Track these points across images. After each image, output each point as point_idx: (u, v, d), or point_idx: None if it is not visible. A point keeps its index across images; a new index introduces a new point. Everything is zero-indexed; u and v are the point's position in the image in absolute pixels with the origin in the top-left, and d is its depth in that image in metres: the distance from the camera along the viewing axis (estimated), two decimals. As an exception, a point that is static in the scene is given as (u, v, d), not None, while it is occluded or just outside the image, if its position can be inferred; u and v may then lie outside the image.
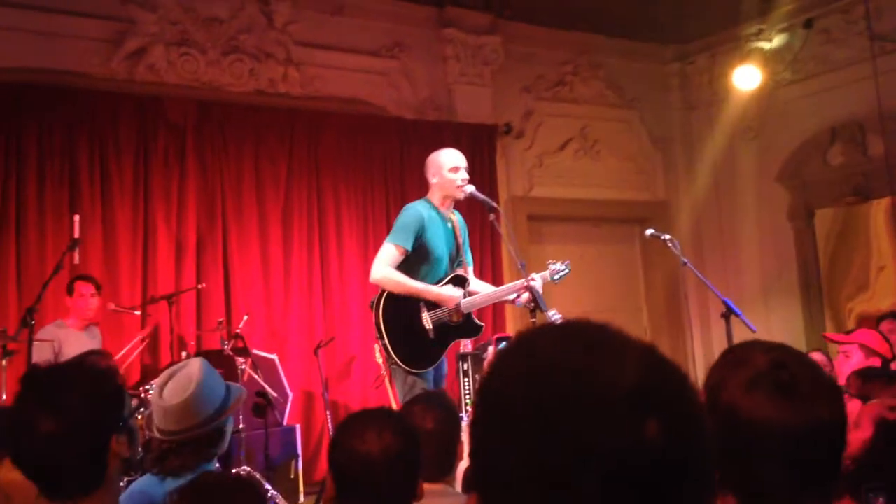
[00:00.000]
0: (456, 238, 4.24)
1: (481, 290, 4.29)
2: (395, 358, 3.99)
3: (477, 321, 4.22)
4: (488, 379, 0.83)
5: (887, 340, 4.07)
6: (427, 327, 4.02)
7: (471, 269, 4.36)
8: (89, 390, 1.69)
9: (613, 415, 0.73)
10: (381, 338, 4.02)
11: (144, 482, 2.38)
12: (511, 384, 0.79)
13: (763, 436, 1.32)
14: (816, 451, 1.33)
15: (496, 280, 4.47)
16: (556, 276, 4.23)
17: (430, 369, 4.05)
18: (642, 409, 0.74)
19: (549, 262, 4.29)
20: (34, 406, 1.64)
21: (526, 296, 4.07)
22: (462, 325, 4.13)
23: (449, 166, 4.14)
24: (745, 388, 1.36)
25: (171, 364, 5.35)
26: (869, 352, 3.92)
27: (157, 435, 2.32)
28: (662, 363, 0.80)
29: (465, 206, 4.38)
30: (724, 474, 1.38)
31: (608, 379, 0.75)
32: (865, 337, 4.04)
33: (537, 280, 4.07)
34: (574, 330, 0.83)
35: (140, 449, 4.39)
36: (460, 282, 4.18)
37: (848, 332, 4.26)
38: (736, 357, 1.44)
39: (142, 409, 4.44)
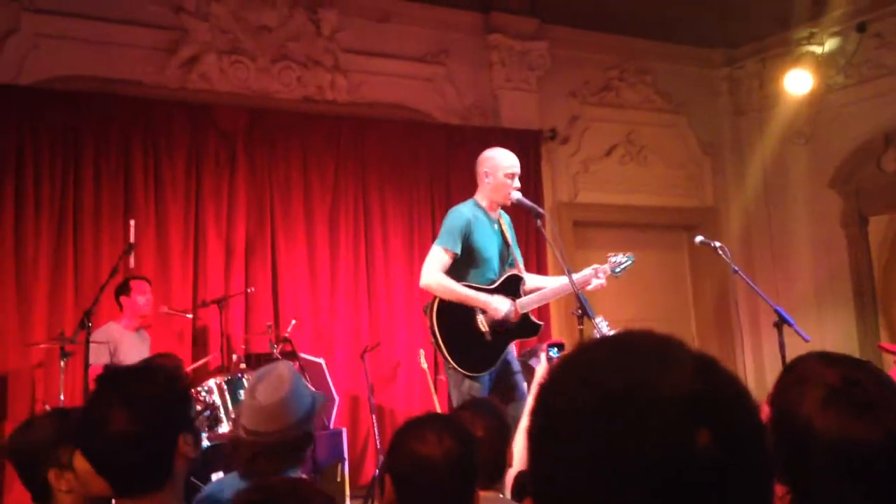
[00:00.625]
0: (504, 238, 4.24)
1: (539, 284, 4.26)
2: (452, 362, 3.98)
3: (535, 320, 4.20)
4: (546, 387, 0.84)
5: None
6: (483, 329, 4.00)
7: (521, 265, 4.33)
8: (160, 391, 1.76)
9: (664, 423, 0.73)
10: (436, 342, 4.02)
11: (228, 481, 2.37)
12: (566, 394, 0.80)
13: (837, 454, 1.30)
14: (892, 468, 1.31)
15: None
16: (618, 269, 4.18)
17: (486, 374, 4.04)
18: (694, 418, 0.74)
19: (610, 254, 4.24)
20: (108, 405, 1.71)
21: (601, 282, 4.10)
22: (519, 324, 4.11)
23: (507, 171, 4.13)
24: (817, 405, 1.34)
25: (222, 367, 5.49)
26: None
27: (244, 436, 2.30)
28: (718, 373, 0.80)
29: (511, 211, 4.38)
30: (797, 493, 1.36)
31: (659, 387, 0.76)
32: None
33: (598, 278, 4.08)
34: (629, 340, 0.84)
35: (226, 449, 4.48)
36: (515, 282, 4.17)
37: None
38: (800, 373, 1.41)
39: (203, 412, 4.52)
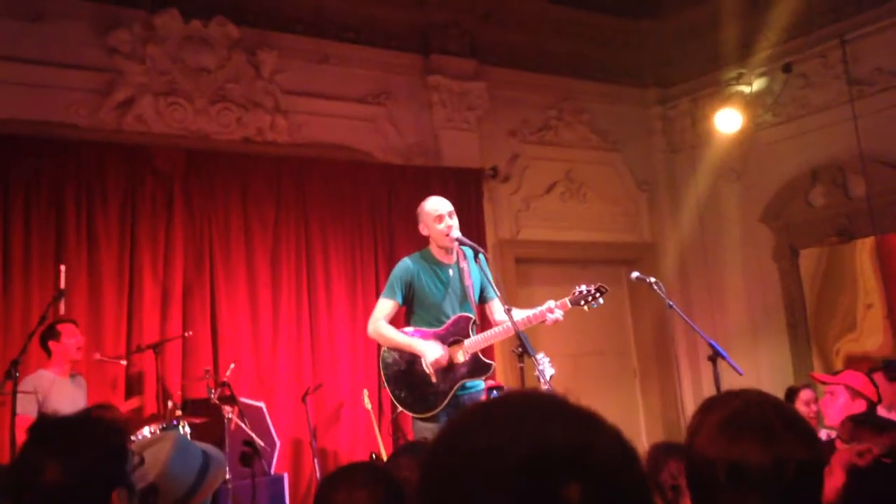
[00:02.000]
0: (462, 282, 4.28)
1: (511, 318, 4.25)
2: (398, 405, 4.18)
3: (485, 360, 4.26)
4: (427, 454, 0.86)
5: (874, 384, 4.09)
6: (428, 371, 4.08)
7: (496, 302, 4.34)
8: (97, 442, 1.70)
9: (530, 478, 0.74)
10: (385, 386, 4.22)
11: None
12: (438, 459, 0.82)
13: (738, 475, 1.34)
14: (795, 490, 1.35)
15: (483, 325, 4.47)
16: (584, 303, 4.09)
17: (439, 415, 4.08)
18: (562, 472, 0.74)
19: (577, 286, 4.17)
20: (42, 455, 1.65)
21: (559, 313, 4.09)
22: (470, 364, 4.18)
23: (433, 216, 4.25)
24: (716, 429, 1.39)
25: (158, 414, 5.35)
26: (854, 393, 3.94)
27: None
28: (595, 428, 0.81)
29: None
30: None
31: (527, 444, 0.76)
32: (851, 379, 4.06)
33: (556, 312, 4.08)
34: (504, 401, 0.86)
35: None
36: (464, 323, 4.22)
37: (835, 373, 4.27)
38: (709, 404, 1.47)
39: (139, 463, 4.38)
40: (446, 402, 4.11)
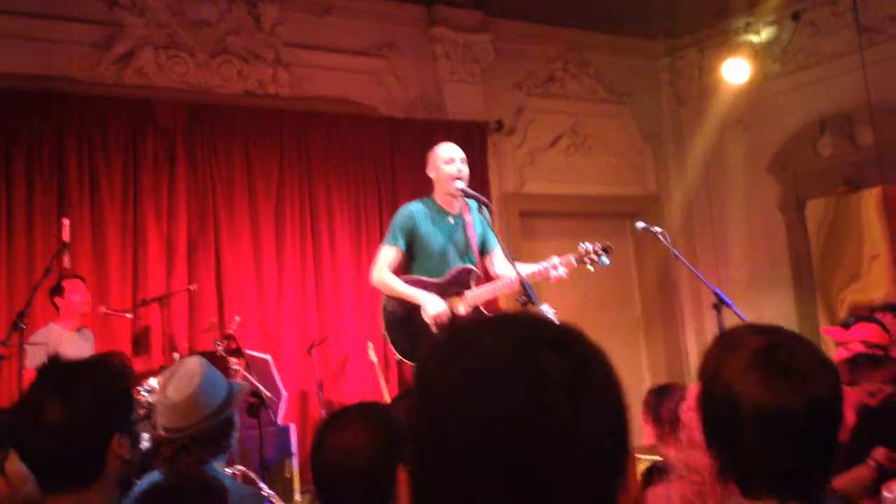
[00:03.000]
0: (465, 233, 4.24)
1: (509, 273, 4.08)
2: (397, 353, 4.15)
3: (486, 314, 4.23)
4: (416, 372, 0.87)
5: (886, 329, 4.03)
6: (428, 321, 4.07)
7: (496, 253, 4.29)
8: (100, 386, 1.73)
9: (514, 350, 0.75)
10: (385, 335, 4.18)
11: (153, 479, 2.36)
12: (430, 361, 0.82)
13: (762, 416, 1.32)
14: (816, 428, 1.33)
15: (487, 276, 4.47)
16: (588, 261, 3.93)
17: None
18: (541, 348, 0.75)
19: (581, 243, 4.00)
20: (45, 394, 1.68)
21: (563, 270, 3.99)
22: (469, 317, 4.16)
23: (443, 158, 4.19)
24: (742, 370, 1.36)
25: (163, 367, 5.40)
26: (871, 347, 3.88)
27: (163, 434, 2.33)
28: (572, 332, 0.81)
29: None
30: (725, 459, 1.38)
31: (507, 333, 0.78)
32: (864, 332, 3.98)
33: (560, 268, 3.96)
34: (501, 316, 0.86)
35: (148, 450, 4.42)
36: (465, 275, 4.19)
37: (845, 326, 4.17)
38: (729, 341, 1.43)
39: (146, 415, 4.44)
40: None
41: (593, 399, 0.75)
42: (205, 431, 2.28)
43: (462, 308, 4.15)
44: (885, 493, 2.01)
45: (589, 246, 3.95)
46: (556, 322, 0.82)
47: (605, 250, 3.93)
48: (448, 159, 4.17)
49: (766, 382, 1.34)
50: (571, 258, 3.98)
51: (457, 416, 0.74)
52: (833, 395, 1.37)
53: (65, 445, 1.66)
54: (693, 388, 2.08)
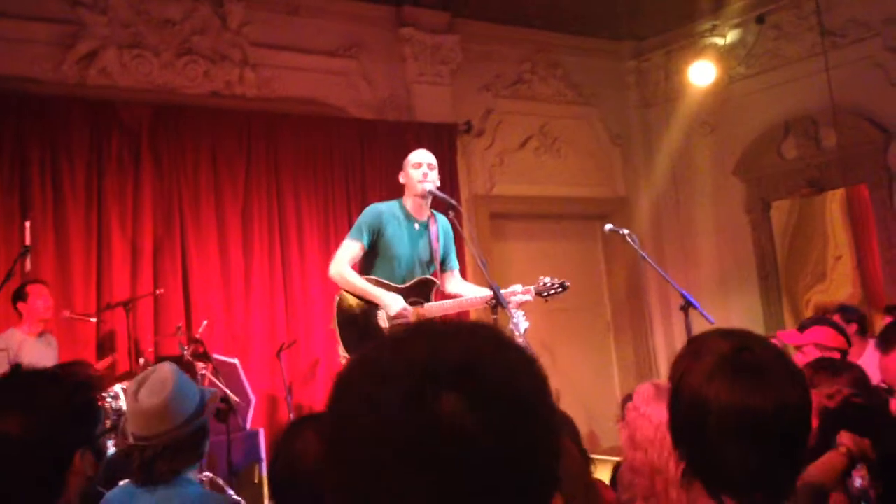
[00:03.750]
0: (430, 242, 4.23)
1: (463, 292, 4.28)
2: (344, 353, 4.06)
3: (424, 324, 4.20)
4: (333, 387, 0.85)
5: (841, 332, 4.10)
6: (382, 325, 4.03)
7: (454, 273, 4.38)
8: (60, 397, 1.63)
9: (409, 389, 0.73)
10: (335, 330, 4.08)
11: (120, 494, 2.28)
12: (345, 375, 0.82)
13: (730, 419, 1.32)
14: (785, 429, 1.34)
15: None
16: (546, 294, 4.08)
17: None
18: (439, 383, 0.73)
19: (541, 277, 4.14)
20: (3, 406, 1.57)
21: (527, 297, 4.03)
22: None
23: (412, 162, 4.19)
24: (709, 373, 1.36)
25: (131, 372, 5.31)
26: (824, 349, 3.94)
27: (133, 442, 2.24)
28: (482, 344, 0.78)
29: (433, 205, 4.38)
30: (691, 460, 1.39)
31: (407, 358, 0.76)
32: (819, 335, 4.05)
33: (520, 295, 4.00)
34: (422, 325, 0.84)
35: (113, 459, 4.32)
36: (426, 286, 4.19)
37: (801, 330, 4.24)
38: (697, 346, 1.44)
39: (113, 427, 4.35)
40: None
41: (494, 436, 0.72)
42: (178, 439, 2.21)
43: (419, 318, 4.13)
44: (857, 479, 2.03)
45: (549, 280, 4.09)
46: (479, 338, 0.79)
47: (563, 286, 4.09)
48: (415, 164, 4.18)
49: (732, 384, 1.34)
50: (532, 289, 4.07)
51: (350, 434, 0.74)
52: (800, 396, 1.38)
53: (22, 460, 1.56)
54: (641, 388, 2.07)
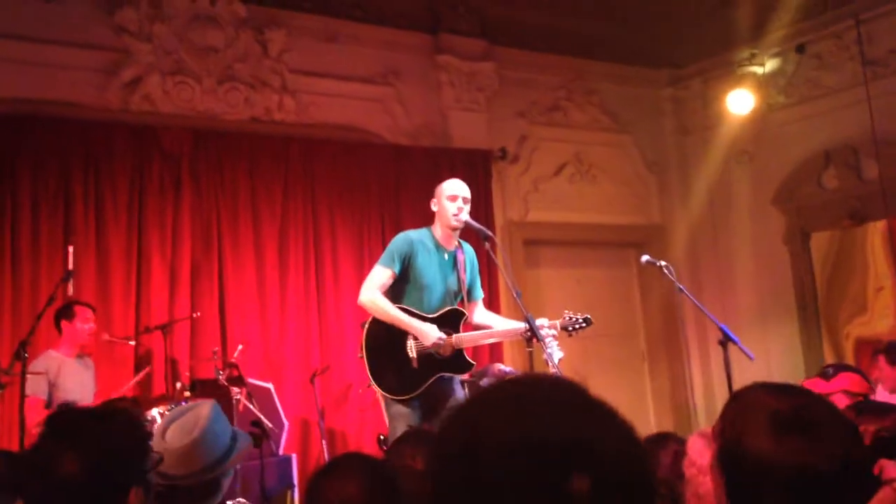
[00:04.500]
0: (458, 272, 4.23)
1: (491, 323, 4.29)
2: (372, 381, 4.04)
3: (468, 359, 4.19)
4: (440, 433, 0.85)
5: (866, 378, 4.11)
6: (411, 355, 4.02)
7: (480, 304, 4.40)
8: (118, 438, 1.65)
9: (539, 468, 0.74)
10: (364, 359, 4.07)
11: None
12: (455, 440, 0.82)
13: (792, 480, 1.30)
14: (847, 488, 1.31)
15: (492, 309, 4.46)
16: (571, 328, 4.10)
17: (413, 399, 4.02)
18: (571, 463, 0.74)
19: (566, 311, 4.17)
20: (58, 447, 1.58)
21: (552, 332, 4.02)
22: (451, 359, 4.11)
23: (447, 194, 4.19)
24: (765, 433, 1.33)
25: (167, 395, 5.36)
26: (852, 395, 3.94)
27: (154, 476, 2.25)
28: (606, 420, 0.80)
29: (462, 234, 4.39)
30: None
31: (539, 434, 0.77)
32: (847, 383, 4.06)
33: (547, 329, 3.99)
34: (520, 387, 0.85)
35: None
36: (456, 316, 4.18)
37: (825, 377, 4.22)
38: (747, 402, 1.41)
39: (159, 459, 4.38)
40: (422, 389, 4.03)
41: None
42: (192, 485, 2.18)
43: (442, 351, 4.10)
44: None
45: (574, 315, 4.11)
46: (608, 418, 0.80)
47: (586, 321, 4.11)
48: (451, 196, 4.18)
49: (791, 446, 1.31)
50: (557, 323, 4.09)
51: (497, 484, 0.75)
52: (859, 452, 1.35)
53: (81, 499, 1.56)
54: (694, 441, 2.04)
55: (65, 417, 1.70)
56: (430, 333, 4.00)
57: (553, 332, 4.05)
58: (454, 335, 4.11)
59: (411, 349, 4.03)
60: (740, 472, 1.36)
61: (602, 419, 0.80)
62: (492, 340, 4.30)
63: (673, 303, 7.68)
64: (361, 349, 4.09)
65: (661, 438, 2.84)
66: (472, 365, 4.26)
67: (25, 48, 5.77)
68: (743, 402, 1.43)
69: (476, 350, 4.27)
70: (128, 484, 1.61)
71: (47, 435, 1.65)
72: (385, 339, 4.06)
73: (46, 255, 5.48)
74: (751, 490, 1.33)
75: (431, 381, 4.04)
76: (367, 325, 4.11)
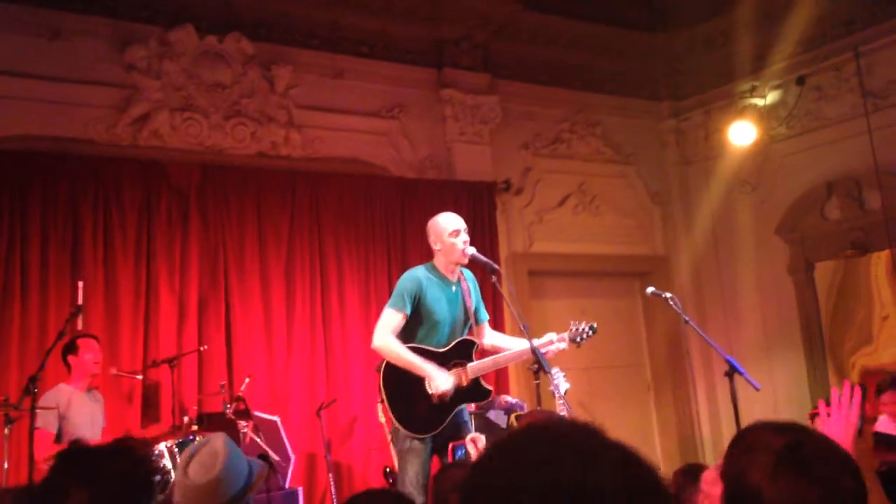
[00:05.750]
0: (464, 302, 4.26)
1: (501, 344, 4.33)
2: (397, 422, 4.04)
3: (485, 385, 4.23)
4: (478, 477, 0.86)
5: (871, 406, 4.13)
6: (430, 392, 4.03)
7: (486, 325, 4.44)
8: (125, 474, 1.68)
9: None
10: (383, 401, 4.06)
11: None
12: (496, 487, 0.83)
13: None
14: None
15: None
16: (579, 339, 4.21)
17: (429, 436, 4.04)
18: None
19: (572, 321, 4.27)
20: (70, 478, 1.62)
21: (563, 346, 4.16)
22: (469, 389, 4.13)
23: (449, 231, 4.21)
24: (768, 474, 1.36)
25: (174, 428, 5.37)
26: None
27: None
28: (639, 464, 0.83)
29: (468, 267, 4.43)
30: None
31: (593, 481, 0.79)
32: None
33: (556, 343, 4.13)
34: (557, 432, 0.87)
35: None
36: (467, 347, 4.21)
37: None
38: (750, 442, 1.44)
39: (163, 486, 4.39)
40: (445, 423, 4.06)
41: None
42: None
43: (463, 380, 4.13)
44: None
45: (580, 325, 4.23)
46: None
47: (592, 329, 4.24)
48: (453, 232, 4.20)
49: (793, 486, 1.35)
50: (566, 335, 4.20)
51: None
52: (859, 490, 1.38)
53: None
54: (708, 473, 2.07)
55: (76, 453, 1.73)
56: (443, 384, 4.02)
57: (563, 345, 4.15)
58: (468, 365, 4.14)
59: (429, 386, 4.04)
60: None
61: (633, 462, 0.83)
62: (500, 366, 4.32)
63: (678, 333, 7.68)
64: (381, 393, 4.09)
65: (694, 470, 2.87)
66: (490, 391, 4.28)
67: (37, 85, 5.87)
68: (745, 442, 1.46)
69: (483, 380, 4.28)
70: None
71: (58, 469, 1.68)
72: (402, 380, 4.06)
73: (55, 290, 5.52)
74: None
75: (452, 414, 4.07)
76: (382, 369, 4.11)
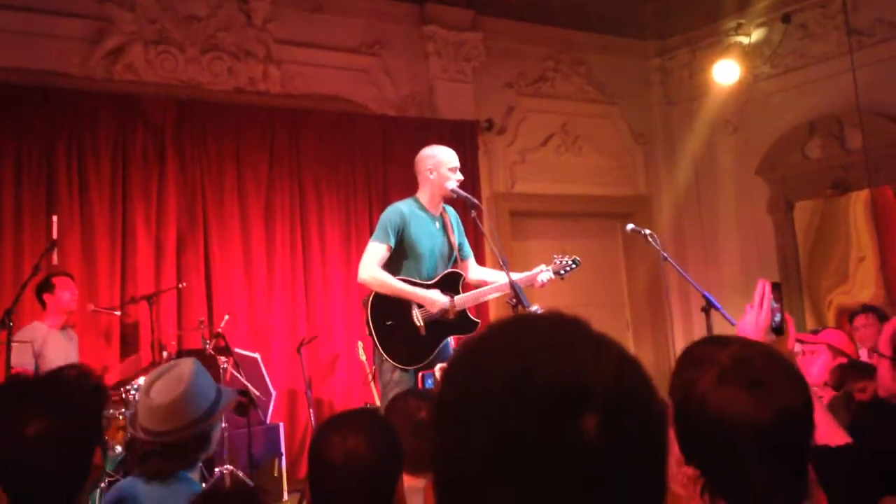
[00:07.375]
0: (448, 236, 4.26)
1: (487, 277, 4.35)
2: (384, 354, 4.04)
3: (472, 318, 4.25)
4: (447, 370, 0.84)
5: (852, 340, 4.16)
6: (418, 324, 4.05)
7: (471, 260, 4.44)
8: (77, 395, 1.65)
9: (548, 407, 0.73)
10: (371, 335, 4.07)
11: (127, 484, 2.31)
12: (461, 378, 0.80)
13: (739, 432, 1.32)
14: (790, 438, 1.34)
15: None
16: (563, 272, 4.29)
17: (412, 369, 4.07)
18: (580, 404, 0.73)
19: (556, 255, 4.34)
20: (20, 409, 1.58)
21: (548, 276, 4.21)
22: (456, 321, 4.15)
23: (450, 166, 4.22)
24: (711, 387, 1.36)
25: (153, 364, 5.37)
26: (836, 351, 3.99)
27: (141, 434, 2.24)
28: (617, 360, 0.79)
29: (448, 202, 4.41)
30: (712, 479, 1.38)
31: (547, 373, 0.75)
32: (832, 337, 4.11)
33: (544, 274, 4.19)
34: (530, 325, 0.83)
35: (123, 449, 4.38)
36: (454, 279, 4.21)
37: (815, 333, 4.30)
38: (695, 357, 1.43)
39: (123, 410, 4.42)
40: (433, 355, 4.09)
41: (625, 458, 0.74)
42: (178, 440, 2.20)
43: (449, 314, 4.15)
44: None
45: (563, 259, 4.32)
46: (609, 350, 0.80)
47: (575, 263, 4.33)
48: (454, 166, 4.21)
49: (734, 398, 1.34)
50: (550, 269, 4.25)
51: (467, 442, 0.74)
52: (803, 403, 1.38)
53: (51, 456, 1.56)
54: (676, 453, 2.07)
55: (20, 382, 1.70)
56: (436, 300, 4.04)
57: (547, 276, 4.18)
58: (456, 297, 4.15)
59: (417, 318, 4.05)
60: (688, 424, 1.38)
61: (609, 356, 0.79)
62: (493, 296, 4.33)
63: (657, 272, 7.71)
64: (368, 326, 4.09)
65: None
66: (477, 323, 4.30)
67: (9, 16, 5.71)
68: (691, 356, 1.45)
69: (470, 312, 4.31)
70: (95, 442, 1.63)
71: (6, 399, 1.64)
72: (389, 312, 4.07)
73: (29, 226, 5.46)
74: (701, 439, 1.36)
75: (440, 346, 4.09)
76: (369, 302, 4.10)
